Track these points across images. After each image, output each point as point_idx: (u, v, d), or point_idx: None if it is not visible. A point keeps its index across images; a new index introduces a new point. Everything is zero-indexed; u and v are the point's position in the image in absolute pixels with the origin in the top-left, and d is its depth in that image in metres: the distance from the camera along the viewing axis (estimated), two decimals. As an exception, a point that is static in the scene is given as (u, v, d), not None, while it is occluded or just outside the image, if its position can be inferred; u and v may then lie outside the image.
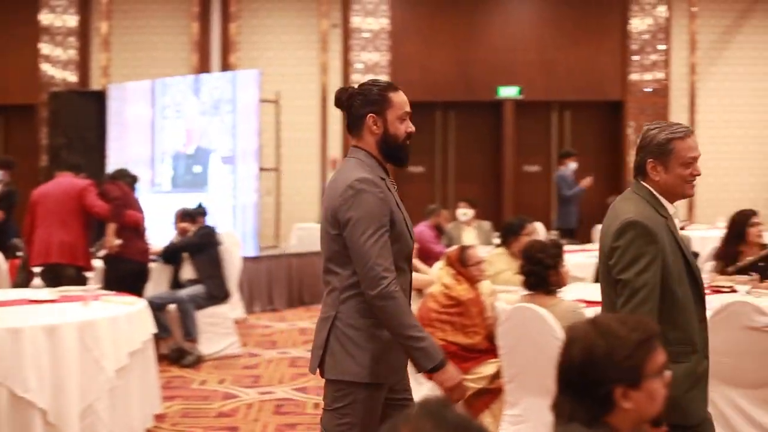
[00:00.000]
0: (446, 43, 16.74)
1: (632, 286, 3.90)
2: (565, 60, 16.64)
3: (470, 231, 12.25)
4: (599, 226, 12.96)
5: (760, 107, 16.95)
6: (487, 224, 12.61)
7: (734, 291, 7.11)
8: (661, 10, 16.72)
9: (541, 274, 5.97)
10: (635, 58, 16.78)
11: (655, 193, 4.06)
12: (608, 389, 2.66)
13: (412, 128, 4.27)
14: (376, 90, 4.23)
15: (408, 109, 4.26)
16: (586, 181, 13.89)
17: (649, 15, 16.73)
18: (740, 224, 7.95)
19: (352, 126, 4.27)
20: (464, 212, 12.24)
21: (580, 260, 10.23)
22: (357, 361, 4.07)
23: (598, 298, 6.98)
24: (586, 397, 2.68)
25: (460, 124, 17.29)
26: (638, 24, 16.70)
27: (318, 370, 4.18)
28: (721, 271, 7.87)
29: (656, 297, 3.89)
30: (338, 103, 4.30)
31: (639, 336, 2.69)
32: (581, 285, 8.28)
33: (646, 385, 2.68)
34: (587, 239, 13.73)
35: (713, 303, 6.24)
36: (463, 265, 6.81)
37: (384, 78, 16.14)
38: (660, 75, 16.76)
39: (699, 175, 4.07)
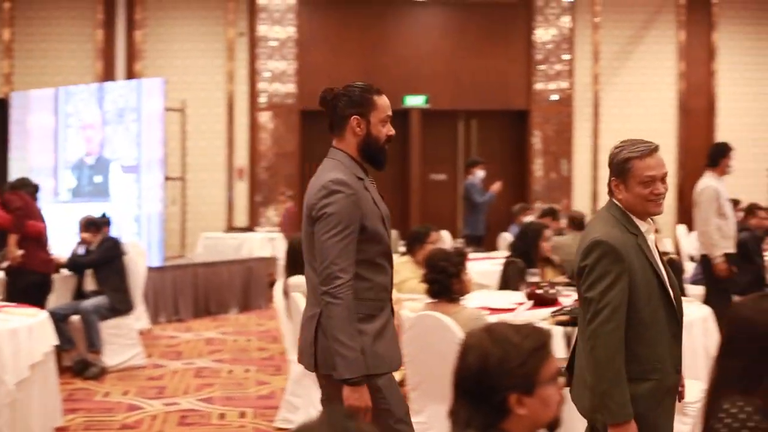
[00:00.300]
0: (353, 52, 16.78)
1: (597, 304, 3.94)
2: (471, 69, 16.78)
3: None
4: (506, 234, 13.06)
5: (661, 117, 17.26)
6: (393, 233, 12.65)
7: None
8: (565, 21, 16.96)
9: (444, 282, 5.98)
10: (540, 67, 16.98)
11: (625, 210, 4.09)
12: (503, 396, 2.68)
13: (392, 131, 4.35)
14: (359, 92, 4.30)
15: (390, 112, 4.34)
16: (496, 186, 14.03)
17: (553, 25, 16.95)
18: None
19: (335, 126, 4.35)
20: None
21: (486, 268, 10.30)
22: (349, 357, 4.09)
23: (502, 305, 7.07)
24: (482, 403, 2.70)
25: (368, 132, 17.32)
26: (543, 34, 16.91)
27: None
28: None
29: (621, 315, 3.91)
30: (323, 102, 4.37)
31: (532, 344, 2.72)
32: (486, 292, 8.33)
33: (539, 392, 2.71)
34: (494, 247, 13.84)
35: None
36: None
37: (291, 86, 16.16)
38: (564, 84, 16.98)
39: (660, 194, 4.06)
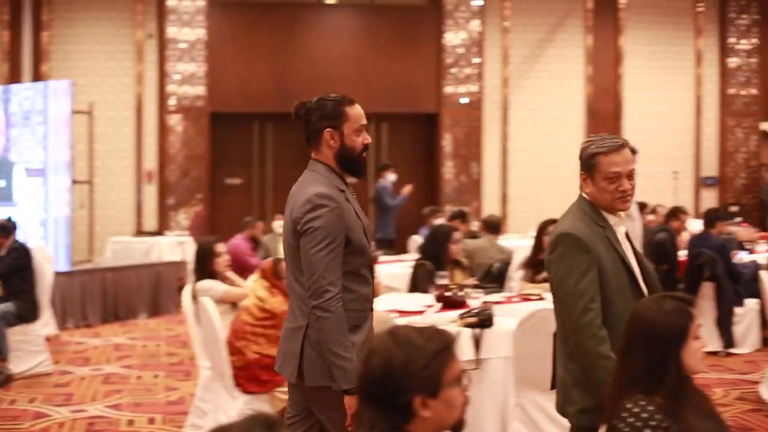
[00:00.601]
0: (264, 54, 16.73)
1: (571, 297, 3.98)
2: (381, 73, 16.82)
3: (288, 243, 12.23)
4: (416, 237, 13.09)
5: (569, 120, 17.47)
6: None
7: (542, 299, 7.29)
8: (475, 25, 17.09)
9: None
10: (450, 71, 17.08)
11: (593, 204, 4.13)
12: (407, 399, 2.70)
13: (368, 139, 4.42)
14: (331, 105, 4.36)
15: (364, 122, 4.40)
16: (407, 189, 14.14)
17: (463, 29, 17.07)
18: (540, 233, 8.21)
19: (311, 139, 4.40)
20: (281, 224, 12.19)
21: (396, 270, 10.34)
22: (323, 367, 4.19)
23: (411, 308, 7.10)
24: (387, 406, 2.71)
25: (277, 135, 17.29)
26: (453, 38, 17.02)
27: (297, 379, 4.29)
28: (531, 279, 8.08)
29: (598, 305, 3.96)
30: (296, 117, 4.42)
31: (436, 346, 2.74)
32: (395, 295, 8.37)
33: (444, 394, 2.73)
34: (404, 250, 13.89)
35: (522, 310, 6.42)
36: (278, 277, 6.79)
37: (201, 89, 16.05)
38: (474, 88, 17.11)
39: (624, 190, 4.09)
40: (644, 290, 4.10)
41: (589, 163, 4.12)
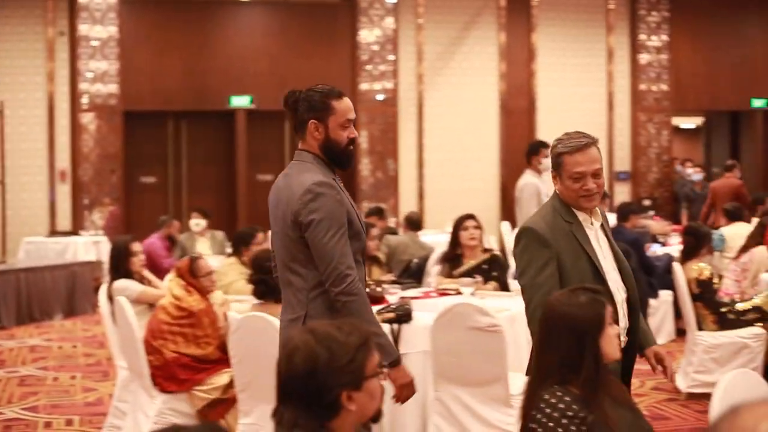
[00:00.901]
0: (177, 51, 16.60)
1: (529, 289, 4.10)
2: (296, 70, 16.77)
3: (204, 241, 12.20)
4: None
5: (484, 116, 17.60)
6: (220, 234, 12.59)
7: (459, 293, 7.35)
8: (389, 22, 17.14)
9: (271, 283, 6.00)
10: (365, 68, 17.11)
11: (564, 201, 4.20)
12: (335, 394, 2.72)
13: (354, 134, 4.43)
14: (318, 97, 4.38)
15: (351, 116, 4.42)
16: None
17: (377, 26, 17.11)
18: (456, 228, 8.27)
19: (298, 129, 4.45)
20: (197, 222, 12.18)
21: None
22: None
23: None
24: (312, 404, 2.72)
25: (191, 133, 17.18)
26: (367, 35, 17.06)
27: None
28: (447, 274, 8.13)
29: None
30: (285, 105, 4.47)
31: (357, 340, 2.77)
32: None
33: (367, 386, 2.76)
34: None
35: (439, 305, 6.47)
36: (194, 275, 6.76)
37: (114, 87, 15.88)
38: (389, 85, 17.16)
39: (588, 189, 4.14)
40: (610, 286, 4.15)
41: (556, 162, 4.22)
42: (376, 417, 2.84)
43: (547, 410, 3.45)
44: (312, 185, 4.25)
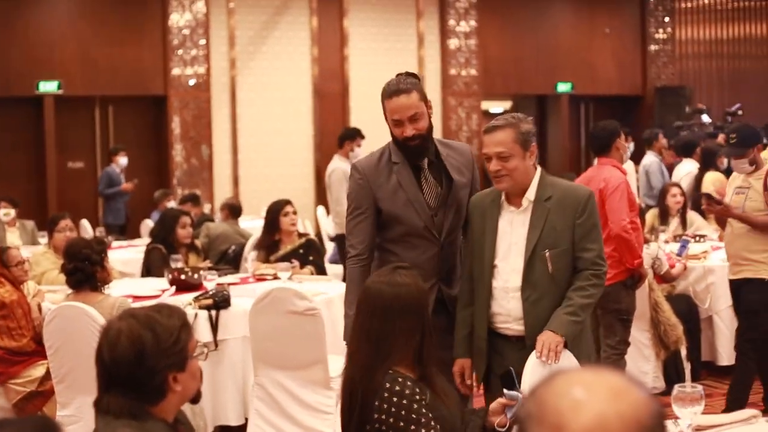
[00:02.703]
0: (-20, 36, 16.04)
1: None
2: (106, 55, 16.44)
3: (14, 231, 11.89)
4: (148, 221, 12.93)
5: (297, 100, 17.62)
6: (30, 224, 12.28)
7: (277, 278, 7.41)
8: (200, 6, 16.95)
9: (87, 271, 5.93)
10: (177, 52, 16.90)
11: None
12: (163, 377, 2.73)
13: (407, 133, 4.57)
14: (382, 91, 4.68)
15: (396, 117, 4.57)
16: (128, 186, 14.19)
17: (188, 10, 16.92)
18: (274, 213, 8.32)
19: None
20: (6, 212, 11.85)
21: (129, 256, 10.25)
22: None
23: (146, 292, 7.08)
24: (138, 389, 2.72)
25: (-4, 120, 16.65)
26: (178, 19, 16.84)
27: None
28: (264, 259, 8.18)
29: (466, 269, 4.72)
30: None
31: (178, 321, 2.79)
32: (129, 280, 8.31)
33: (190, 366, 2.79)
34: (138, 234, 13.72)
35: (257, 291, 6.51)
36: (5, 266, 6.61)
37: None
38: (201, 70, 17.00)
39: (492, 171, 4.40)
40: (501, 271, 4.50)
41: None
42: (196, 398, 2.87)
43: (395, 399, 3.46)
44: (351, 166, 4.79)
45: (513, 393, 3.69)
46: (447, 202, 4.72)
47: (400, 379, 3.51)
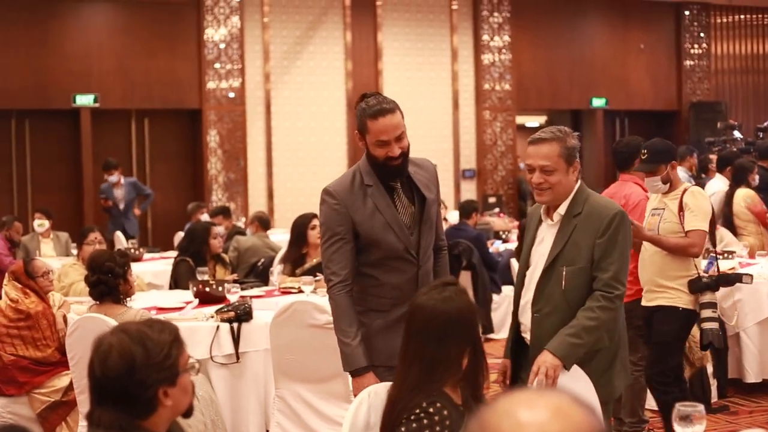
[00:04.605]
0: (20, 50, 16.19)
1: None
2: (141, 68, 16.61)
3: (48, 242, 12.02)
4: (181, 233, 12.93)
5: (332, 115, 17.70)
6: (65, 235, 12.41)
7: (301, 292, 7.44)
8: (235, 21, 17.08)
9: (110, 283, 6.00)
10: (212, 66, 17.02)
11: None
12: (152, 392, 2.76)
13: (393, 153, 4.42)
14: (359, 113, 4.46)
15: (383, 138, 4.39)
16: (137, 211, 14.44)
17: (223, 25, 17.04)
18: (302, 227, 8.34)
19: (357, 137, 4.59)
20: (40, 223, 11.99)
21: (160, 268, 10.33)
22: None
23: (170, 304, 7.14)
24: (129, 403, 2.75)
25: (35, 133, 16.81)
26: (213, 33, 16.97)
27: None
28: (290, 272, 8.21)
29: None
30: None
31: (169, 336, 2.82)
32: (156, 292, 8.38)
33: (180, 381, 2.81)
34: (170, 246, 13.79)
35: (279, 304, 6.54)
36: (30, 276, 6.69)
37: None
38: (236, 84, 17.11)
39: (534, 184, 4.41)
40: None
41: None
42: (188, 412, 2.90)
43: (425, 421, 3.32)
44: (322, 191, 4.58)
45: None
46: (421, 220, 4.62)
47: (438, 404, 3.37)
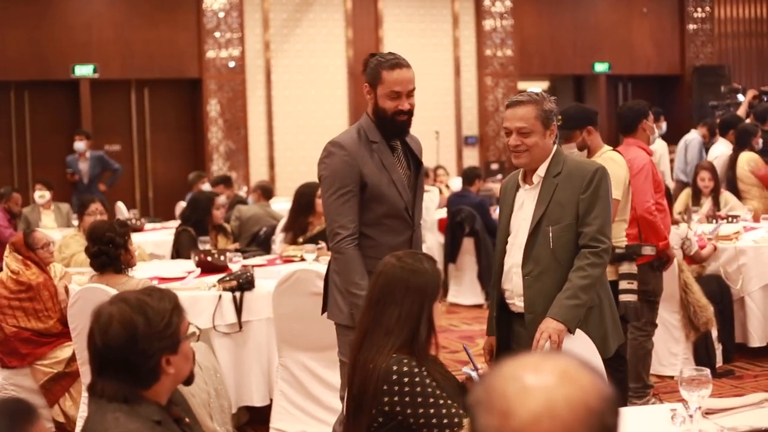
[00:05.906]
0: (19, 21, 16.09)
1: None
2: (141, 38, 16.51)
3: (49, 214, 11.98)
4: (183, 203, 12.91)
5: (332, 82, 17.62)
6: (65, 206, 12.36)
7: (303, 260, 7.41)
8: (235, -12, 16.99)
9: (111, 254, 5.97)
10: (212, 35, 16.93)
11: None
12: (156, 360, 2.74)
13: (404, 107, 4.56)
14: (374, 64, 4.55)
15: (397, 89, 4.52)
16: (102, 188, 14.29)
17: (221, -7, 16.94)
18: (308, 196, 8.26)
19: (366, 89, 4.62)
20: (41, 194, 11.94)
21: (162, 238, 10.31)
22: (339, 305, 4.57)
23: (172, 274, 7.11)
24: (132, 373, 2.72)
25: (34, 104, 16.74)
26: (212, 2, 16.86)
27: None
28: (292, 241, 8.17)
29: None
30: (363, 67, 4.67)
31: (169, 304, 2.78)
32: (158, 262, 8.35)
33: (182, 348, 2.79)
34: (171, 216, 13.77)
35: (282, 272, 6.51)
36: (31, 248, 6.66)
37: None
38: (236, 52, 17.03)
39: (511, 146, 4.41)
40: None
41: None
42: (189, 379, 2.87)
43: (406, 379, 3.42)
44: (328, 144, 4.59)
45: (466, 370, 3.76)
46: (416, 185, 4.73)
47: (405, 361, 3.48)
